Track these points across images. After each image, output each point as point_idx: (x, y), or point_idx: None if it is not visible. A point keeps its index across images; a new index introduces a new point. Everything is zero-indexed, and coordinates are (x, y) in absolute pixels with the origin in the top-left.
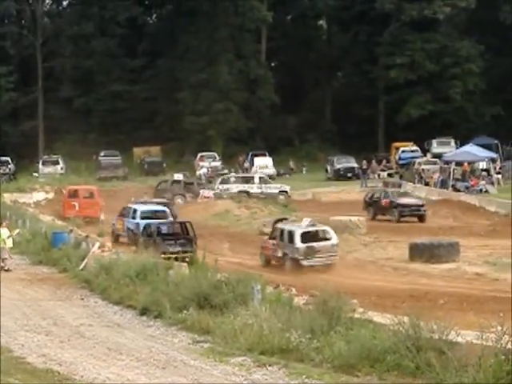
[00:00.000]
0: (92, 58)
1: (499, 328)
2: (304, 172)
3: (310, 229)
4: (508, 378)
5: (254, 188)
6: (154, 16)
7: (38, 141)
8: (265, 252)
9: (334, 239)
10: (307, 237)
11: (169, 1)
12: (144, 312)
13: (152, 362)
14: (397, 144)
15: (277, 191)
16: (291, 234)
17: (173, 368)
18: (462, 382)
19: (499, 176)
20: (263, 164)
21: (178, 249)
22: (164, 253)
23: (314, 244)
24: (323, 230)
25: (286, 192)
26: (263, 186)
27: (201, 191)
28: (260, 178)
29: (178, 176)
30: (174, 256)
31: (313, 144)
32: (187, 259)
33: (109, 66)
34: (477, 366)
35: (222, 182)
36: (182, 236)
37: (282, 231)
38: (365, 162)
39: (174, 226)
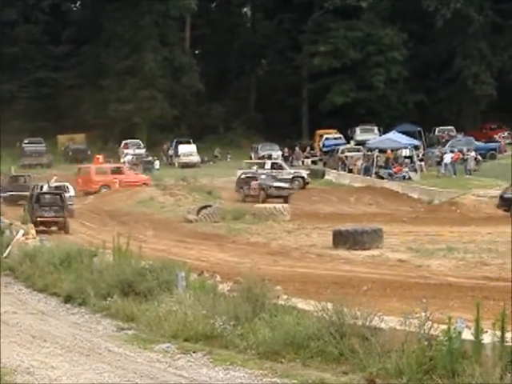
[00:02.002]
0: (16, 45)
1: (422, 314)
2: (229, 159)
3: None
4: (431, 363)
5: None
6: (78, 3)
7: None
8: None
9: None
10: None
11: None
12: (68, 299)
13: (76, 349)
14: (321, 131)
15: (290, 177)
16: None
17: (97, 355)
18: (385, 368)
19: (422, 163)
20: (188, 151)
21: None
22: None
23: None
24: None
25: (303, 178)
26: (274, 171)
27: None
28: (272, 163)
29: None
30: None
31: (237, 131)
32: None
33: (33, 52)
34: (400, 352)
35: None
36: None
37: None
38: (286, 149)
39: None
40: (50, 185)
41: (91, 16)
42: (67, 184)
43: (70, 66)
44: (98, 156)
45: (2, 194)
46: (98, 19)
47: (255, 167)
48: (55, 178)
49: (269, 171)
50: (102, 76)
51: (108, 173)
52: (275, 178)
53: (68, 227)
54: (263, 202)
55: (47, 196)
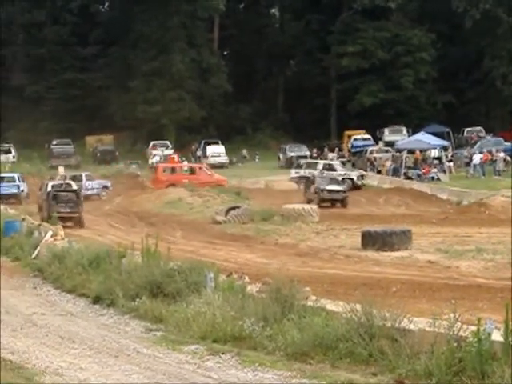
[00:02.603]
0: (44, 46)
1: (451, 315)
2: (257, 160)
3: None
4: (460, 365)
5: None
6: (107, 4)
7: None
8: None
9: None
10: None
11: None
12: (97, 300)
13: (105, 351)
14: (349, 132)
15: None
16: None
17: (126, 356)
18: (414, 369)
19: (451, 164)
20: (216, 152)
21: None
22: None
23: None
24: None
25: (353, 180)
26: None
27: None
28: (324, 164)
29: None
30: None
31: (265, 132)
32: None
33: (61, 54)
34: (429, 354)
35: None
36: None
37: None
38: (315, 150)
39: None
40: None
41: (119, 17)
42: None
43: (98, 67)
44: (172, 156)
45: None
46: (125, 20)
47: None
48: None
49: (325, 173)
50: (129, 77)
51: (177, 172)
52: (332, 181)
53: (83, 222)
54: (319, 205)
55: (63, 193)
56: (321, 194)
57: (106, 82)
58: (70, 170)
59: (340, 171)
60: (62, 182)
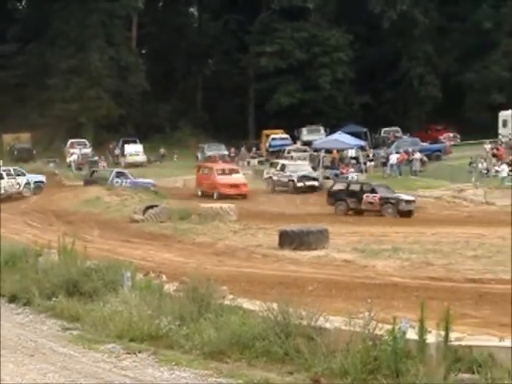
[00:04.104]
0: None
1: (367, 314)
2: (175, 159)
3: None
4: (375, 363)
5: None
6: (24, 1)
7: None
8: None
9: None
10: None
11: None
12: (12, 300)
13: (20, 350)
14: (267, 131)
15: None
16: None
17: (41, 355)
18: (330, 368)
19: (372, 163)
20: (134, 151)
21: None
22: None
23: None
24: None
25: None
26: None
27: None
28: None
29: None
30: None
31: (184, 131)
32: None
33: None
34: (345, 352)
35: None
36: None
37: None
38: (233, 149)
39: None
40: None
41: (37, 14)
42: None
43: (16, 64)
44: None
45: None
46: (44, 18)
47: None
48: None
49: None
50: (47, 75)
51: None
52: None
53: None
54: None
55: None
56: (399, 206)
57: (24, 79)
58: None
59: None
60: None
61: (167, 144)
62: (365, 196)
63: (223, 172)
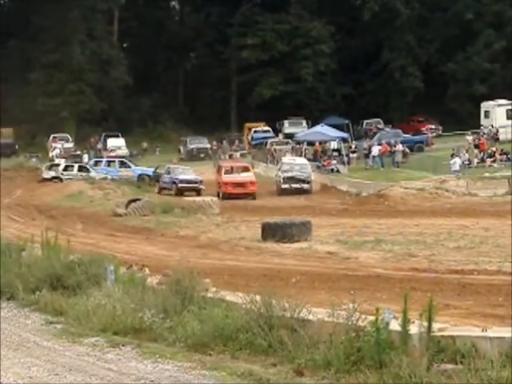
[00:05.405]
0: None
1: (350, 305)
2: (157, 153)
3: None
4: (358, 354)
5: None
6: None
7: None
8: None
9: None
10: None
11: None
12: None
13: (4, 344)
14: (249, 124)
15: None
16: None
17: (26, 349)
18: (313, 359)
19: (355, 155)
20: (116, 145)
21: None
22: None
23: None
24: None
25: None
26: None
27: None
28: None
29: None
30: None
31: (166, 125)
32: None
33: None
34: (328, 343)
35: None
36: None
37: None
38: (215, 142)
39: None
40: None
41: (19, 9)
42: None
43: None
44: None
45: None
46: (26, 13)
47: None
48: None
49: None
50: (29, 70)
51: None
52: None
53: None
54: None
55: None
56: None
57: (5, 74)
58: None
59: None
60: None
61: (149, 138)
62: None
63: (231, 171)
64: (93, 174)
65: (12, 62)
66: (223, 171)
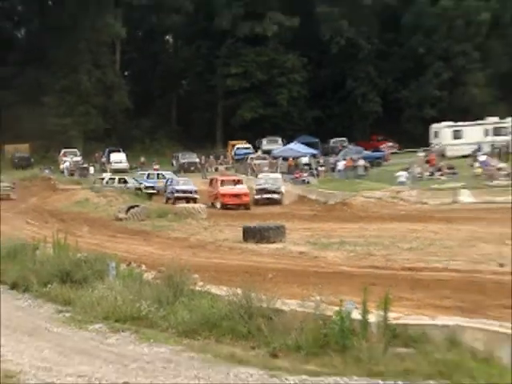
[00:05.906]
0: None
1: (318, 298)
2: (154, 166)
3: None
4: (325, 339)
5: None
6: (23, 30)
7: None
8: None
9: None
10: None
11: (36, 18)
12: (14, 287)
13: (20, 330)
14: (232, 142)
15: None
16: None
17: (39, 334)
18: (286, 344)
19: (323, 168)
20: (118, 159)
21: None
22: None
23: None
24: None
25: None
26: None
27: None
28: None
29: None
30: None
31: (161, 142)
32: None
33: None
34: (299, 330)
35: None
36: None
37: None
38: (203, 157)
39: None
40: None
41: (34, 42)
42: None
43: (16, 85)
44: None
45: None
46: (40, 45)
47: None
48: None
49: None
50: (43, 94)
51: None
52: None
53: None
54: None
55: None
56: None
57: (22, 97)
58: None
59: None
60: None
61: (147, 153)
62: None
63: (226, 183)
64: (130, 184)
65: (28, 87)
66: (219, 183)
